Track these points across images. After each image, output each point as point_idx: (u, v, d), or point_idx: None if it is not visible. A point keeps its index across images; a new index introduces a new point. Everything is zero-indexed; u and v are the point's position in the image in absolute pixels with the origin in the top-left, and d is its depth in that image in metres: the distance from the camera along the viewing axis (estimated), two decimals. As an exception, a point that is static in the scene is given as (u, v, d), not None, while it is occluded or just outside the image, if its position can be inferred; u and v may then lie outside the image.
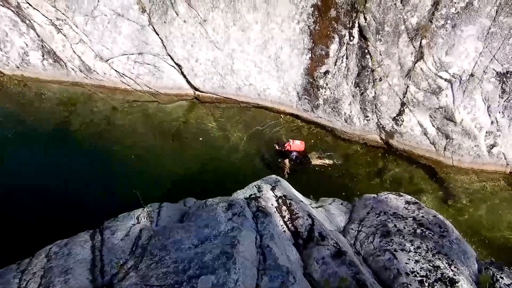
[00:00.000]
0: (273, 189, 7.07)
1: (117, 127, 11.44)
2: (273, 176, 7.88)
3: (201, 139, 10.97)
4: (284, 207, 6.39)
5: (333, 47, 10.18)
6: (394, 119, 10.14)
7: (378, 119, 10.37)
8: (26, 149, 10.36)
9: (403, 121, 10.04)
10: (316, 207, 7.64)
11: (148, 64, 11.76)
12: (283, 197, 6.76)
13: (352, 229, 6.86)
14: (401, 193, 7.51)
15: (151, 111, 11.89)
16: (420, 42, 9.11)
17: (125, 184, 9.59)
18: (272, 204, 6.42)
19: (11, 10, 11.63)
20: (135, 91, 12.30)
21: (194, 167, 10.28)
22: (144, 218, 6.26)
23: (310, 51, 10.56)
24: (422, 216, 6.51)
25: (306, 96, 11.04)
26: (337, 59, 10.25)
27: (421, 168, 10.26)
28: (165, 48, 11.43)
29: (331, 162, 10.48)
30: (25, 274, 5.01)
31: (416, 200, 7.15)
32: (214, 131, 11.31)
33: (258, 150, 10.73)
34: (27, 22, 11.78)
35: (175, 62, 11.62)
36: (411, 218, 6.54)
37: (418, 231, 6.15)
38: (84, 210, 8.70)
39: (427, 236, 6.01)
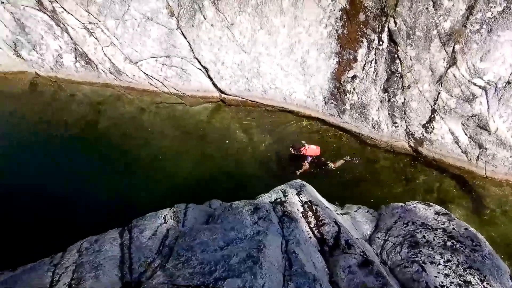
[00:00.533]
0: (298, 194, 7.01)
1: (144, 127, 11.64)
2: (298, 180, 7.81)
3: (227, 141, 10.99)
4: (310, 213, 6.30)
5: (362, 51, 10.02)
6: (424, 126, 9.85)
7: (407, 126, 10.11)
8: (59, 148, 10.71)
9: (433, 129, 9.74)
10: (342, 214, 7.52)
11: (176, 66, 11.94)
12: (309, 203, 6.69)
13: (378, 238, 6.70)
14: (430, 203, 7.28)
15: (177, 113, 12.05)
16: (453, 48, 8.82)
17: (151, 183, 9.76)
18: (297, 210, 6.35)
19: (47, 15, 12.10)
20: (163, 93, 12.52)
21: (218, 169, 10.31)
22: (171, 218, 6.33)
23: (337, 55, 10.44)
24: (453, 228, 6.28)
25: (332, 100, 10.91)
26: (365, 64, 10.08)
27: (452, 177, 9.89)
28: (193, 51, 11.58)
29: (345, 160, 10.30)
30: (58, 268, 5.17)
31: (446, 211, 6.92)
32: (238, 134, 11.33)
33: (282, 154, 10.65)
34: (61, 26, 12.22)
35: (202, 65, 11.75)
36: (441, 230, 6.32)
37: (449, 243, 5.93)
38: (112, 207, 8.91)
39: (458, 250, 5.78)
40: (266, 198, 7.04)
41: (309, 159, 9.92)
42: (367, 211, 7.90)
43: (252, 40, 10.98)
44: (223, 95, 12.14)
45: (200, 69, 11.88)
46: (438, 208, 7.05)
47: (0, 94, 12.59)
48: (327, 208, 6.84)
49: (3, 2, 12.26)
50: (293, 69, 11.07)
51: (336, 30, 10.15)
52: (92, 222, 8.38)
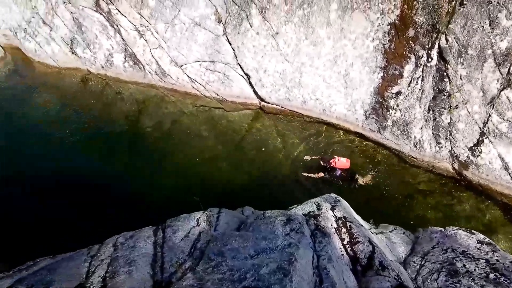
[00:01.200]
0: (332, 208, 6.87)
1: (184, 129, 11.94)
2: (333, 194, 7.67)
3: (263, 149, 11.01)
4: (343, 229, 6.16)
5: (408, 67, 9.73)
6: (470, 149, 9.37)
7: (452, 147, 9.66)
8: (103, 143, 11.23)
9: (481, 152, 9.23)
10: (376, 233, 7.28)
11: (219, 72, 12.17)
12: (343, 219, 6.53)
13: (414, 262, 6.41)
14: (473, 231, 6.88)
15: (216, 117, 12.26)
16: (509, 69, 8.35)
17: (185, 184, 9.97)
18: (331, 225, 6.22)
19: (103, 16, 12.79)
20: (204, 97, 12.79)
21: (253, 175, 10.35)
22: (203, 222, 6.41)
23: (382, 70, 10.20)
24: (497, 260, 5.89)
25: (373, 115, 10.65)
26: (411, 80, 9.77)
27: (498, 205, 9.31)
28: (236, 57, 11.76)
29: (372, 175, 10.06)
30: (94, 259, 5.36)
31: (491, 241, 6.50)
32: (275, 142, 11.32)
33: (317, 166, 10.51)
34: (115, 27, 12.85)
35: (244, 72, 11.89)
36: (484, 260, 5.95)
37: (491, 276, 5.57)
38: (147, 204, 9.20)
39: (501, 284, 5.41)
40: (299, 210, 6.96)
41: (338, 172, 9.78)
42: (403, 233, 7.60)
43: (296, 50, 10.98)
44: (262, 103, 12.21)
45: (242, 76, 12.03)
46: (481, 236, 6.66)
47: (55, 88, 13.42)
48: (362, 226, 6.65)
49: (65, 2, 13.12)
50: (335, 82, 10.94)
51: (383, 44, 9.93)
52: (128, 217, 8.74)
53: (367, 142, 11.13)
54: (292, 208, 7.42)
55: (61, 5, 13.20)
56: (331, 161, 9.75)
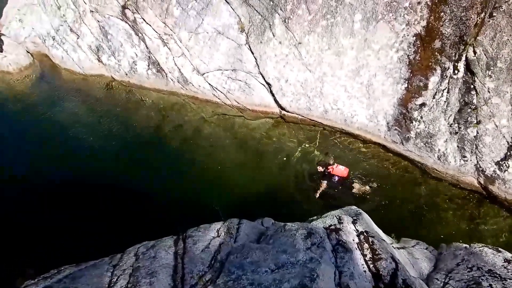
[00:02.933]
0: (354, 222, 6.78)
1: (204, 137, 12.04)
2: (354, 207, 7.58)
3: (284, 158, 10.97)
4: (366, 245, 6.06)
5: (434, 79, 9.56)
6: (497, 163, 9.10)
7: (477, 161, 9.41)
8: (125, 149, 11.42)
9: (508, 167, 8.96)
10: (398, 248, 7.15)
11: (240, 80, 12.25)
12: (365, 233, 6.43)
13: (437, 279, 6.26)
14: (500, 249, 6.67)
15: (237, 125, 12.32)
16: (540, 82, 8.12)
17: (204, 192, 10.04)
18: (353, 240, 6.14)
19: (128, 24, 13.10)
20: (225, 105, 12.89)
21: (272, 184, 10.33)
22: (223, 233, 6.43)
23: (406, 81, 10.06)
24: (526, 280, 5.70)
25: (396, 127, 10.49)
26: (436, 92, 9.60)
27: (526, 223, 9.03)
28: (258, 66, 11.81)
29: (369, 189, 9.98)
30: (116, 269, 5.45)
31: (519, 260, 6.29)
32: (295, 151, 11.27)
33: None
34: (139, 35, 13.13)
35: (265, 81, 11.93)
36: (511, 280, 5.77)
37: (520, 297, 5.39)
38: (167, 211, 9.32)
39: (530, 306, 5.23)
40: (320, 223, 6.89)
41: (336, 178, 9.87)
42: (426, 248, 7.46)
43: (318, 60, 10.96)
44: (283, 112, 12.20)
45: (263, 85, 12.07)
46: (508, 255, 6.45)
47: (81, 93, 13.77)
48: (384, 240, 6.54)
49: (92, 11, 13.50)
50: (357, 92, 10.85)
51: (408, 55, 9.81)
52: (148, 224, 8.87)
53: (389, 154, 10.96)
54: (313, 220, 7.36)
55: (88, 13, 13.60)
56: (329, 167, 9.89)
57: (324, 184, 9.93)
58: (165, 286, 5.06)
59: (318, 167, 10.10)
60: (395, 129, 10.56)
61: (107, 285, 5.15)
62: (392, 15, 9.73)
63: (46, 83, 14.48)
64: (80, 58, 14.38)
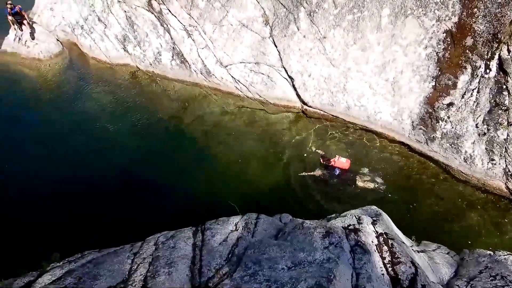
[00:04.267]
0: (373, 223, 6.66)
1: (224, 128, 12.07)
2: (374, 207, 7.45)
3: (305, 154, 10.88)
4: (385, 247, 5.95)
5: (463, 78, 9.21)
6: (528, 168, 8.74)
7: (506, 165, 9.05)
8: (147, 139, 11.60)
9: (540, 173, 8.60)
10: (418, 251, 6.99)
11: (263, 73, 12.18)
12: (385, 235, 6.31)
13: (458, 286, 6.09)
14: (527, 257, 6.43)
15: (258, 118, 12.29)
16: None
17: (223, 184, 10.10)
18: (372, 241, 6.03)
19: (154, 15, 13.22)
20: (246, 98, 12.88)
21: (291, 179, 10.26)
22: (241, 227, 6.44)
23: (434, 79, 9.73)
24: (554, 293, 5.47)
25: (421, 126, 10.20)
26: (465, 92, 9.24)
27: (556, 231, 8.63)
28: (281, 60, 11.71)
29: (374, 186, 9.86)
30: (136, 257, 5.57)
31: (546, 271, 6.04)
32: (316, 147, 11.14)
33: (356, 173, 10.24)
34: (165, 26, 13.24)
35: (288, 75, 11.82)
36: (538, 292, 5.55)
37: (546, 310, 5.18)
38: (186, 201, 9.45)
39: (557, 320, 5.02)
40: (338, 222, 6.81)
41: (337, 171, 9.98)
42: (447, 253, 7.26)
43: (343, 55, 10.75)
44: (305, 107, 12.08)
45: (285, 79, 11.97)
46: (536, 266, 6.20)
47: (106, 82, 14.06)
48: (403, 243, 6.41)
49: (119, 1, 13.69)
50: (382, 89, 10.59)
51: (437, 52, 9.47)
52: (167, 214, 9.04)
53: (413, 153, 10.69)
54: (331, 218, 7.29)
55: (116, 3, 13.81)
56: (331, 159, 10.06)
57: (318, 171, 10.07)
58: (183, 277, 5.13)
59: (320, 159, 10.30)
60: (420, 129, 10.27)
61: (127, 272, 5.28)
62: (422, 10, 9.39)
63: (74, 71, 14.85)
64: (107, 47, 14.66)
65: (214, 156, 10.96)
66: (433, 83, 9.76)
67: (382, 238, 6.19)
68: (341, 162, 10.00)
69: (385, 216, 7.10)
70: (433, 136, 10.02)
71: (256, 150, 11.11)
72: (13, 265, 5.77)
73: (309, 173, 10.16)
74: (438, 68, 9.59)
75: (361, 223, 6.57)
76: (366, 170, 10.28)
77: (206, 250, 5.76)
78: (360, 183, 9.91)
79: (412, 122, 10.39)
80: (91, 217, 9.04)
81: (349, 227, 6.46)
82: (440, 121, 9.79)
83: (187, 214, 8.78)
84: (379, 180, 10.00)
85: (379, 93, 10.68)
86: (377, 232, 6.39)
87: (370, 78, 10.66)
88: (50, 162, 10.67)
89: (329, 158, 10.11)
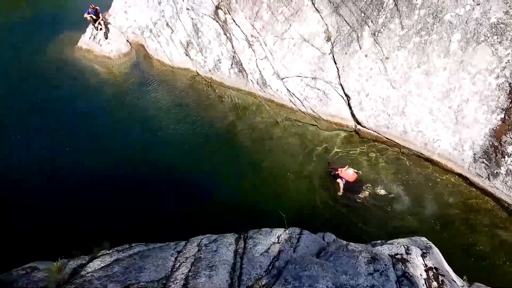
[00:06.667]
0: (423, 255, 6.33)
1: (274, 140, 12.13)
2: (423, 238, 7.10)
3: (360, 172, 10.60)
4: (434, 283, 5.61)
5: (538, 113, 8.55)
6: None
7: None
8: (200, 143, 11.97)
9: None
10: (469, 293, 6.52)
11: (318, 89, 12.13)
12: (434, 270, 5.97)
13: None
14: None
15: (309, 133, 12.21)
16: None
17: (267, 195, 10.13)
18: (420, 274, 5.72)
19: (219, 24, 13.72)
20: (299, 112, 12.87)
21: (337, 200, 10.03)
22: (284, 240, 6.41)
23: (503, 112, 9.12)
24: None
25: (484, 160, 9.57)
26: (539, 128, 8.57)
27: None
28: (339, 77, 11.60)
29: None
30: (179, 255, 5.74)
31: None
32: (366, 169, 10.81)
33: (407, 200, 9.79)
34: (228, 35, 13.68)
35: (344, 93, 11.67)
36: None
37: None
38: (230, 208, 9.59)
39: None
40: (385, 249, 6.54)
41: (343, 181, 9.97)
42: (503, 300, 6.69)
43: (405, 77, 10.42)
44: (358, 126, 11.83)
45: (341, 96, 11.82)
46: None
47: (167, 84, 14.77)
48: (454, 282, 6.01)
49: (188, 9, 14.39)
50: (444, 116, 10.10)
51: (510, 83, 8.88)
52: (211, 217, 9.22)
53: (471, 188, 10.03)
54: (376, 244, 7.01)
55: (184, 11, 14.53)
56: (338, 168, 10.18)
57: (341, 184, 10.02)
58: (222, 282, 5.20)
59: (328, 168, 10.51)
60: (482, 162, 9.63)
61: (170, 269, 5.45)
62: (497, 38, 8.89)
63: (139, 71, 15.77)
64: (171, 51, 15.42)
65: (261, 166, 11.04)
66: (502, 115, 9.15)
67: (432, 273, 5.85)
68: (347, 173, 10.04)
69: (435, 249, 6.74)
70: (497, 172, 9.34)
71: (304, 165, 11.02)
72: (69, 246, 6.20)
73: (341, 190, 10.08)
74: (509, 100, 8.98)
75: (410, 253, 6.26)
76: (416, 198, 9.82)
77: (247, 258, 5.79)
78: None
79: (474, 154, 9.78)
80: (140, 210, 9.47)
81: (396, 256, 6.19)
82: (506, 156, 9.12)
83: (229, 220, 8.94)
84: (430, 209, 9.50)
85: (440, 120, 10.19)
86: (426, 265, 6.07)
87: (432, 103, 10.22)
88: (110, 155, 11.37)
89: (337, 167, 10.29)
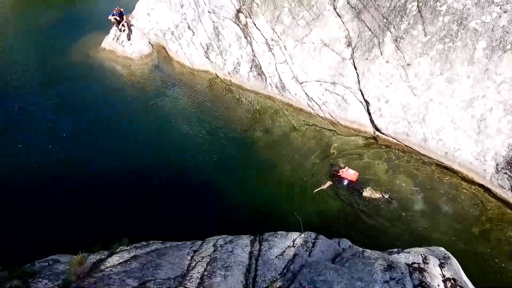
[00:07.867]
0: (441, 265, 6.22)
1: (291, 144, 12.09)
2: (441, 249, 6.97)
3: (372, 184, 10.38)
4: (452, 294, 5.51)
5: None
6: None
7: None
8: (217, 144, 12.07)
9: None
10: (488, 307, 6.35)
11: (337, 94, 12.07)
12: (452, 281, 5.85)
13: None
14: None
15: (326, 138, 12.14)
16: None
17: (283, 200, 10.12)
18: (438, 285, 5.63)
19: (239, 27, 13.84)
20: (317, 116, 12.82)
21: (354, 207, 9.91)
22: (299, 244, 6.41)
23: (529, 122, 8.88)
24: None
25: (507, 171, 9.32)
26: None
27: None
28: (359, 83, 11.52)
29: (380, 196, 9.73)
30: (196, 254, 5.81)
31: None
32: (384, 178, 10.65)
33: (427, 213, 9.61)
34: (248, 38, 13.78)
35: (364, 98, 11.58)
36: None
37: None
38: (245, 209, 9.69)
39: None
40: (402, 258, 6.45)
41: (345, 181, 10.13)
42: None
43: (427, 85, 10.27)
44: (377, 133, 11.70)
45: (361, 102, 11.73)
46: None
47: (187, 86, 14.96)
48: (473, 293, 5.88)
49: (210, 12, 14.57)
50: (466, 125, 9.90)
51: (536, 93, 8.66)
52: (226, 218, 9.29)
53: (492, 199, 9.79)
54: (393, 252, 6.92)
55: (206, 14, 14.71)
56: (339, 170, 10.27)
57: (327, 184, 10.18)
58: (237, 282, 5.23)
59: (330, 169, 10.63)
60: (505, 173, 9.38)
61: (186, 268, 5.51)
62: (525, 46, 8.68)
63: (159, 72, 16.02)
64: (192, 53, 15.62)
65: (277, 170, 11.04)
66: (527, 126, 8.91)
67: (450, 284, 5.75)
68: (349, 173, 10.17)
69: (454, 260, 6.61)
70: (520, 184, 9.10)
71: (321, 170, 10.94)
72: (91, 241, 6.34)
73: (320, 188, 10.21)
74: (535, 110, 8.75)
75: (427, 263, 6.17)
76: (435, 208, 9.63)
77: (262, 260, 5.81)
78: (367, 194, 9.89)
79: (497, 165, 9.54)
80: (158, 209, 9.61)
81: (413, 265, 6.11)
82: (530, 168, 8.88)
83: (244, 221, 8.97)
84: (448, 219, 9.32)
85: (462, 129, 9.99)
86: (444, 276, 5.96)
87: (454, 112, 10.03)
88: (129, 156, 11.59)
89: (338, 169, 10.37)
